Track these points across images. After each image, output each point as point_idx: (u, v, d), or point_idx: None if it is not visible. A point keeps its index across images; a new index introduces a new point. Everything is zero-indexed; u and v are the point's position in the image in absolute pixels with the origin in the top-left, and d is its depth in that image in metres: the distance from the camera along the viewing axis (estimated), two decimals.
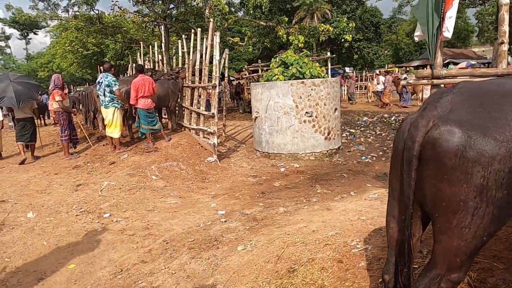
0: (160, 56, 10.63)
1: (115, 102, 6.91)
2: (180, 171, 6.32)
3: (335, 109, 7.39)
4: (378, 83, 16.28)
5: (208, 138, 7.24)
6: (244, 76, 15.99)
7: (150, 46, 11.66)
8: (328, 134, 7.24)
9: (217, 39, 6.64)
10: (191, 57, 8.35)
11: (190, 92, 8.47)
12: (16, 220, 4.49)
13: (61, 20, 19.07)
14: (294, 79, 7.20)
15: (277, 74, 7.25)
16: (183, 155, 6.90)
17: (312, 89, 6.92)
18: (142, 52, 12.53)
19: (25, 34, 53.32)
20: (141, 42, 14.09)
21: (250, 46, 15.36)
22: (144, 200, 5.10)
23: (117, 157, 6.85)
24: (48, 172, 6.86)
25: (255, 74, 15.63)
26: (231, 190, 5.58)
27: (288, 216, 4.27)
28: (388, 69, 26.76)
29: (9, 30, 52.58)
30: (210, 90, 7.22)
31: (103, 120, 10.03)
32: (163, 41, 12.99)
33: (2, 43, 52.95)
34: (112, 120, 6.94)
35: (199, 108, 7.74)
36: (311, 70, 7.22)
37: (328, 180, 5.88)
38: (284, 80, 7.19)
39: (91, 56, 26.87)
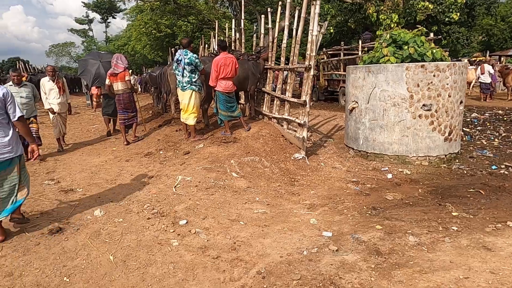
0: (238, 35, 9.65)
1: (194, 84, 6.06)
2: (264, 169, 5.28)
3: (460, 102, 5.74)
4: (482, 73, 13.66)
5: (295, 130, 6.10)
6: (322, 61, 14.47)
7: (222, 27, 10.77)
8: (449, 134, 5.64)
9: (316, 9, 5.38)
10: (276, 34, 7.19)
11: (273, 74, 7.36)
12: (82, 218, 3.81)
13: (137, 0, 19.17)
14: (410, 61, 5.68)
15: (386, 55, 5.79)
16: (266, 148, 5.85)
17: (434, 76, 5.36)
18: (217, 31, 11.73)
19: (105, 18, 56.86)
20: (216, 21, 13.37)
21: (331, 28, 13.72)
22: (225, 205, 4.15)
23: (192, 146, 6.04)
24: (120, 157, 6.31)
25: (334, 58, 14.04)
26: (330, 200, 4.40)
27: (426, 253, 3.01)
28: (475, 57, 22.91)
29: (92, 15, 56.43)
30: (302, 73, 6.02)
31: (176, 103, 9.46)
32: (238, 18, 12.06)
33: (86, 26, 57.08)
34: (188, 105, 6.12)
35: (285, 94, 6.60)
36: (433, 52, 5.62)
37: (459, 197, 4.40)
38: (396, 62, 5.71)
39: (163, 38, 27.28)
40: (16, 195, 3.33)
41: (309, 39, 5.61)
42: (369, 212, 3.99)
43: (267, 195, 4.53)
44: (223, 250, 3.15)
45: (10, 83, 5.92)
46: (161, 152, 6.19)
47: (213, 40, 12.47)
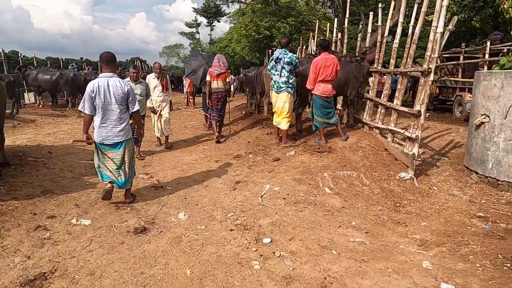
0: (339, 35, 8.96)
1: (290, 85, 5.66)
2: (362, 187, 4.57)
3: None
4: None
5: (401, 145, 5.21)
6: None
7: (321, 28, 10.14)
8: None
9: (444, 1, 4.44)
10: (386, 32, 6.32)
11: (378, 79, 6.51)
12: (166, 220, 3.71)
13: (240, 3, 19.78)
14: None
15: None
16: (365, 163, 5.11)
17: None
18: (316, 32, 11.17)
19: (211, 21, 61.02)
20: (317, 21, 12.82)
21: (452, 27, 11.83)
22: (315, 226, 3.62)
23: (283, 152, 5.65)
24: (210, 157, 6.27)
25: (450, 62, 12.17)
26: (449, 239, 3.50)
27: None
28: None
29: (199, 19, 61.22)
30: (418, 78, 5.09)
31: (268, 104, 9.24)
32: (340, 18, 11.29)
33: (194, 30, 62.15)
34: (281, 108, 5.74)
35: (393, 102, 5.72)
36: None
37: None
38: None
39: (261, 40, 27.80)
40: (125, 171, 3.95)
41: (431, 37, 4.68)
42: (508, 264, 3.00)
43: (365, 220, 3.84)
44: (311, 286, 2.63)
45: (128, 79, 5.97)
46: (250, 155, 5.95)
47: (312, 41, 11.95)
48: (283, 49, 5.70)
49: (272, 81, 5.81)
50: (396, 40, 5.76)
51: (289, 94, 5.67)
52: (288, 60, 5.56)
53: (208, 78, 7.28)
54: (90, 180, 4.90)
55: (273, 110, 6.03)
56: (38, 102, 13.70)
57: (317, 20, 17.77)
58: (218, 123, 7.51)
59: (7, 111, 11.24)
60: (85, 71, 18.87)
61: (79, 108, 3.87)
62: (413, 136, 4.80)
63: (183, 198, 4.35)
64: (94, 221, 3.57)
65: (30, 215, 3.56)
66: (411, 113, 4.94)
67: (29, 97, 14.93)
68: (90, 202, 4.07)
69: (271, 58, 5.86)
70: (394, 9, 6.20)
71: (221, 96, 7.28)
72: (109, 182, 3.90)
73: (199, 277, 2.72)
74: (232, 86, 21.31)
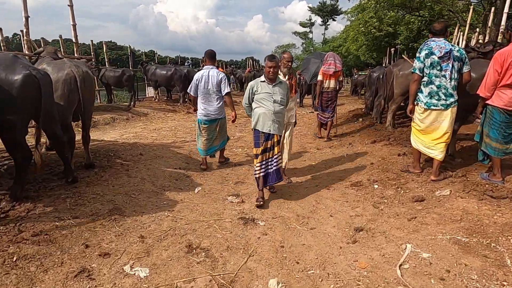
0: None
1: (455, 95, 3.81)
2: None
3: None
4: None
5: None
6: None
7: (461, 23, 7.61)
8: None
9: None
10: None
11: None
12: (249, 287, 2.45)
13: None
14: None
15: None
16: None
17: None
18: (458, 26, 8.61)
19: (326, 20, 58.96)
20: (457, 14, 10.09)
21: None
22: None
23: (429, 188, 3.84)
24: (318, 179, 4.83)
25: None
26: None
27: None
28: None
29: (314, 18, 59.77)
30: None
31: (394, 113, 7.35)
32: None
33: (307, 29, 61.03)
34: (444, 130, 3.85)
35: None
36: None
37: None
38: None
39: (382, 38, 25.06)
40: (220, 141, 5.23)
41: None
42: None
43: None
44: None
45: (262, 77, 4.87)
46: (375, 185, 4.28)
47: (460, 36, 9.35)
48: (442, 39, 3.86)
49: (434, 87, 3.87)
50: None
51: (455, 110, 3.81)
52: (458, 54, 3.72)
53: (320, 77, 7.17)
54: (170, 196, 4.01)
55: (417, 128, 4.13)
56: (154, 96, 14.37)
57: (460, 13, 14.47)
58: (330, 123, 7.48)
59: (125, 104, 11.96)
60: (200, 68, 19.50)
61: (188, 90, 5.10)
62: None
63: (279, 245, 3.04)
64: (153, 272, 2.54)
65: (81, 248, 2.73)
66: None
67: (148, 91, 15.93)
68: (159, 235, 3.10)
69: (425, 52, 3.94)
70: None
71: (333, 96, 7.27)
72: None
73: None
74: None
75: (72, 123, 4.33)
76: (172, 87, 14.48)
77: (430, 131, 3.94)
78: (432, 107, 3.84)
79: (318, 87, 7.23)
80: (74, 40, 9.60)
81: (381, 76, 8.09)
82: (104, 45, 15.04)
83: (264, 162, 3.82)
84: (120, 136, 7.74)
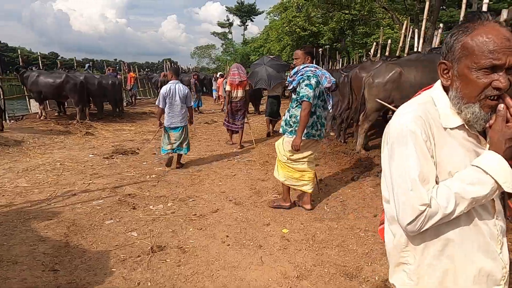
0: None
1: None
2: None
3: None
4: None
5: None
6: None
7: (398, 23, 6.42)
8: None
9: None
10: None
11: None
12: None
13: None
14: None
15: None
16: None
17: None
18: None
19: (244, 21, 57.96)
20: (392, 13, 9.05)
21: None
22: None
23: None
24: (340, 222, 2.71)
25: None
26: None
27: None
28: None
29: (232, 19, 58.37)
30: None
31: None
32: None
33: (226, 30, 59.34)
34: None
35: None
36: None
37: None
38: None
39: (307, 38, 24.22)
40: (182, 146, 5.93)
41: None
42: None
43: None
44: None
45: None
46: None
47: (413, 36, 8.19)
48: None
49: None
50: None
51: None
52: None
53: (228, 87, 7.35)
54: None
55: None
56: (40, 112, 10.76)
57: (394, 12, 13.85)
58: (232, 130, 7.76)
59: None
60: (106, 73, 15.99)
61: (156, 103, 5.81)
62: None
63: None
64: None
65: None
66: None
67: (31, 106, 12.08)
68: None
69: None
70: None
71: (241, 105, 7.46)
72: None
73: None
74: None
75: None
76: (64, 99, 11.09)
77: None
78: None
79: (226, 97, 7.53)
80: None
81: (341, 83, 6.35)
82: None
83: None
84: None
